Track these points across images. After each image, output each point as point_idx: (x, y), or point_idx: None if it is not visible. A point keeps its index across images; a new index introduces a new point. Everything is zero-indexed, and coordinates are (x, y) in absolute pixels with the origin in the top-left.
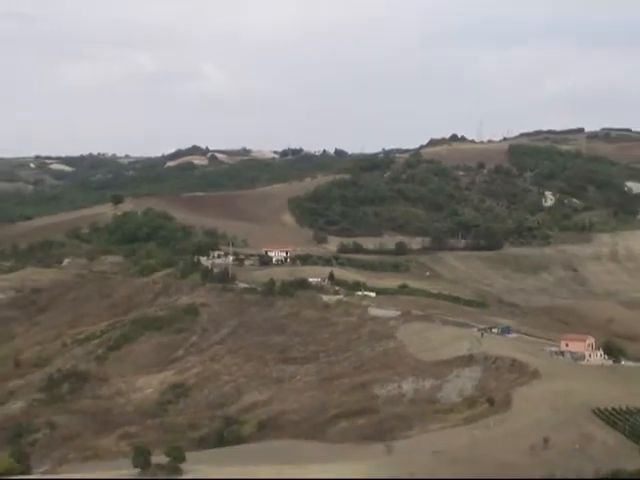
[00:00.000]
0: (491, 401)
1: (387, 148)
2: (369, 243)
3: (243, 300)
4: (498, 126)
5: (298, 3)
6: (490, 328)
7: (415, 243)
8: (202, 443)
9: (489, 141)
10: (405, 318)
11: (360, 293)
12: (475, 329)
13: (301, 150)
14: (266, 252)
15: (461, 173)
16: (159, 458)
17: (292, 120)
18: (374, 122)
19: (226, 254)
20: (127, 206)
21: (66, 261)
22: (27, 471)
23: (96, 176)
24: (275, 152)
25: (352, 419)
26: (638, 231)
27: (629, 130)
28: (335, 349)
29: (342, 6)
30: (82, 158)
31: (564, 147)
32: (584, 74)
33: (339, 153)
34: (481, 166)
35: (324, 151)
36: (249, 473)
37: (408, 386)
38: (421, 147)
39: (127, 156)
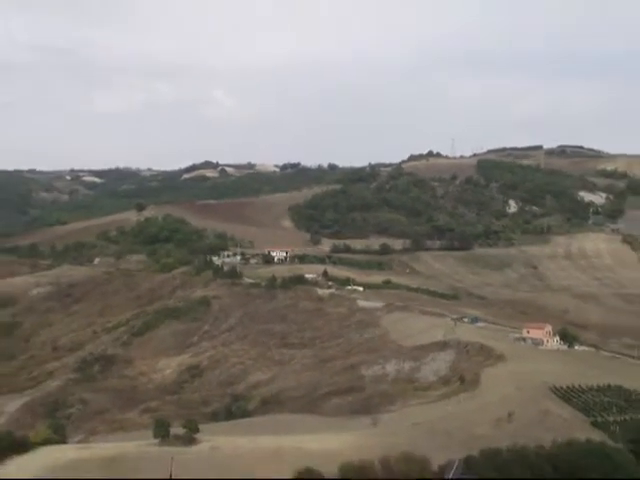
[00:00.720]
0: (462, 380)
1: (373, 162)
2: (357, 244)
3: (249, 293)
4: (468, 144)
5: (298, 38)
6: (461, 317)
7: (397, 244)
8: (214, 417)
9: (461, 156)
10: (388, 309)
11: (350, 287)
12: (448, 318)
13: (299, 164)
14: (269, 252)
15: (436, 184)
16: (176, 430)
17: (291, 138)
18: (362, 140)
19: (234, 254)
20: (149, 212)
21: (96, 260)
22: (63, 441)
23: (122, 187)
24: (276, 166)
25: (343, 396)
26: (589, 234)
27: (581, 147)
28: (328, 335)
29: (336, 41)
30: (110, 171)
31: (525, 162)
32: (543, 100)
33: (332, 167)
34: (454, 178)
35: (319, 165)
36: (254, 442)
37: (391, 367)
38: (402, 162)
39: (149, 169)
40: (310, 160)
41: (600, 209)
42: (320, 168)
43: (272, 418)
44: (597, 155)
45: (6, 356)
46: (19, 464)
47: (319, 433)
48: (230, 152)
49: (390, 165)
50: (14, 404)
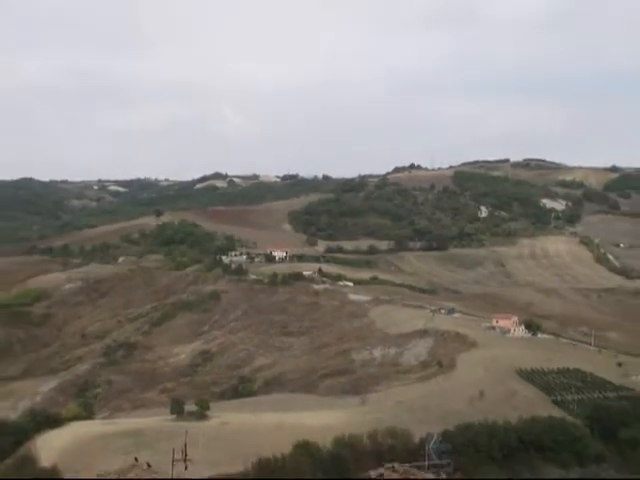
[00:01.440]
0: (440, 364)
1: (362, 174)
2: (348, 245)
3: (253, 288)
4: (446, 157)
5: (298, 64)
6: (439, 309)
7: (383, 245)
8: (222, 396)
9: (439, 168)
10: (375, 302)
11: (341, 283)
12: (428, 310)
13: (297, 175)
14: (270, 252)
15: (417, 193)
16: (190, 407)
17: (290, 152)
18: (352, 154)
19: (241, 253)
20: (166, 217)
21: (120, 259)
22: (91, 417)
23: (143, 195)
24: (277, 177)
25: (335, 378)
26: (550, 236)
27: (544, 160)
28: (323, 325)
29: (328, 67)
30: (132, 181)
31: (495, 173)
32: (511, 119)
33: (326, 178)
34: (432, 187)
35: (315, 176)
36: (258, 418)
37: (377, 353)
38: (387, 173)
39: (166, 180)
40: (307, 171)
41: (560, 214)
42: (316, 179)
43: (274, 397)
44: (557, 167)
45: (41, 343)
46: (54, 437)
47: (315, 410)
48: (237, 164)
49: (377, 176)
50: (48, 385)
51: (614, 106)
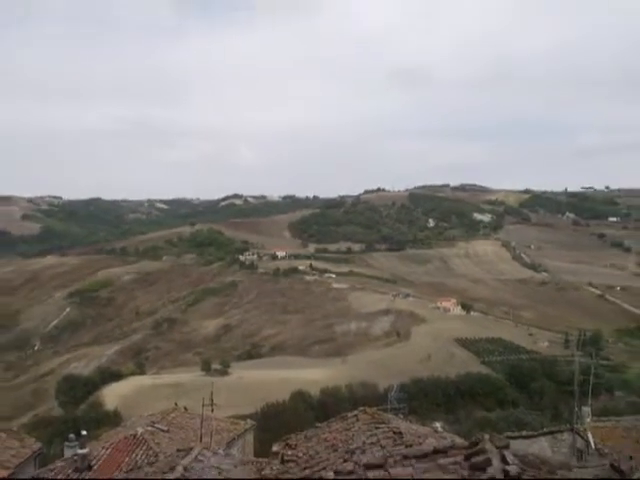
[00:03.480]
0: (399, 334)
1: (341, 194)
2: (331, 247)
3: (262, 278)
4: (403, 182)
5: (291, 113)
6: (398, 294)
7: (357, 247)
8: (239, 357)
9: (398, 190)
10: (351, 288)
11: (327, 275)
12: (390, 295)
13: (294, 195)
14: (274, 252)
15: (382, 208)
16: (216, 366)
17: (289, 178)
18: (334, 179)
19: (252, 253)
20: (198, 227)
21: (164, 257)
22: (143, 373)
23: (181, 210)
24: (280, 196)
25: (322, 345)
26: (480, 240)
27: (475, 184)
28: (313, 306)
29: (316, 115)
30: (173, 200)
31: (439, 194)
32: (451, 153)
33: (315, 197)
34: (393, 204)
35: (307, 196)
36: (266, 374)
37: (353, 326)
38: (360, 194)
39: (198, 198)
40: (301, 192)
41: (487, 225)
42: (307, 198)
43: (277, 359)
44: (485, 190)
45: (106, 319)
46: (116, 388)
47: (307, 368)
48: (250, 187)
49: (352, 196)
50: (111, 349)
51: (526, 143)
